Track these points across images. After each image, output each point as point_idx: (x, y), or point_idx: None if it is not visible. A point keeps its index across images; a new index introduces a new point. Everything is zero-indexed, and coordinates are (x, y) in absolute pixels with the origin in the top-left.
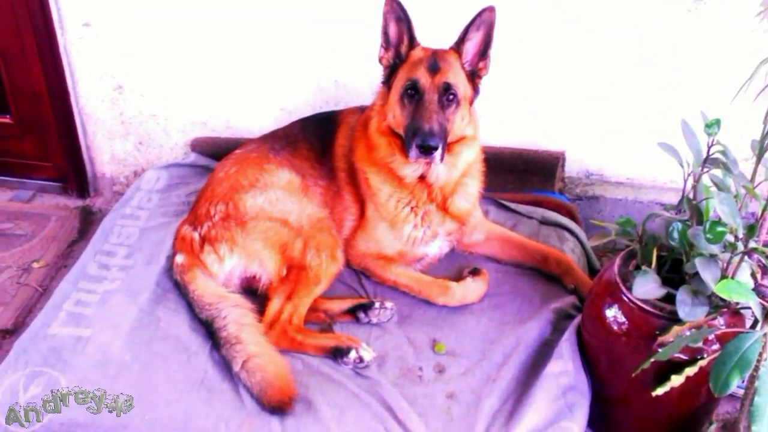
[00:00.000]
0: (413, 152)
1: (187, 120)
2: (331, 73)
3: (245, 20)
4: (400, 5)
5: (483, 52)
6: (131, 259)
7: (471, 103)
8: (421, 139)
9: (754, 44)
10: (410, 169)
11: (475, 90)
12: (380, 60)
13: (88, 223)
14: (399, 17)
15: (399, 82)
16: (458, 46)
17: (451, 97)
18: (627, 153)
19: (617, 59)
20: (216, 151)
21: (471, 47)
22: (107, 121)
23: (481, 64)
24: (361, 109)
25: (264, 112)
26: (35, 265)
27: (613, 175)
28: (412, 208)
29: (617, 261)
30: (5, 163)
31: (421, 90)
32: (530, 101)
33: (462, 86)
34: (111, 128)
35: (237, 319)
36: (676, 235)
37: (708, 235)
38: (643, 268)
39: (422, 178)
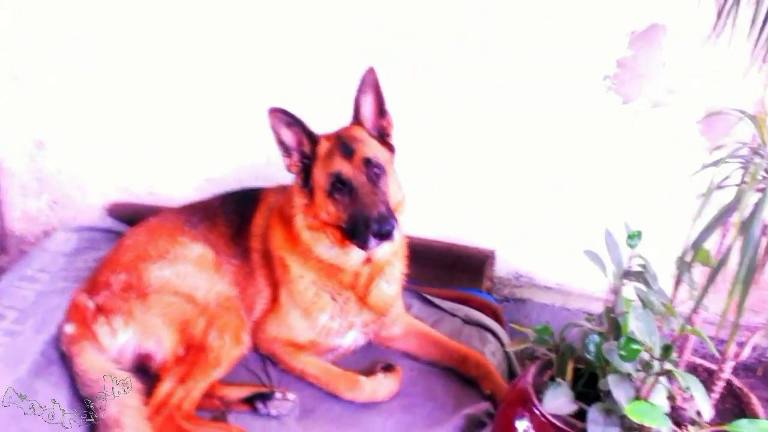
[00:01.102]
0: (372, 242)
1: (108, 183)
2: (262, 150)
3: (174, 86)
4: (284, 112)
5: (380, 111)
6: (21, 324)
7: (392, 162)
8: (378, 226)
9: (688, 162)
10: (356, 256)
11: (391, 150)
12: (289, 168)
13: None
14: (289, 123)
15: (320, 181)
16: (357, 117)
17: (377, 170)
18: (557, 258)
19: (552, 163)
20: (134, 217)
21: (368, 112)
22: (23, 176)
23: (384, 123)
24: (283, 189)
25: (189, 182)
26: None
27: (542, 279)
28: (332, 296)
29: (532, 370)
30: None
31: (347, 180)
32: (465, 196)
33: (381, 154)
34: (26, 184)
35: (120, 399)
36: (592, 348)
37: (622, 352)
38: (557, 380)
39: (367, 259)
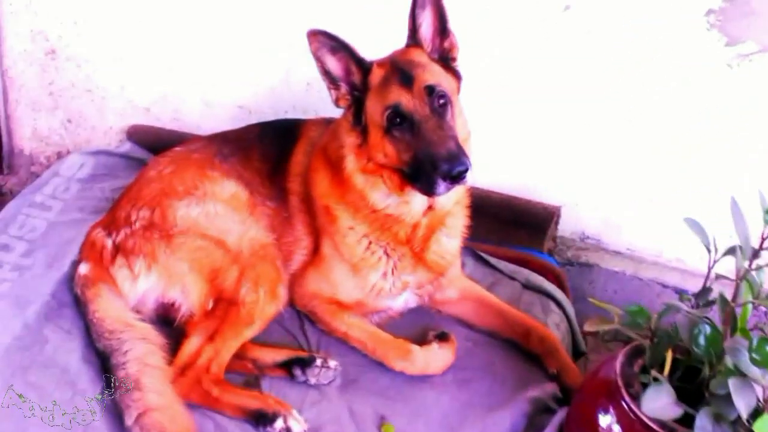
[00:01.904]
0: (441, 186)
1: (128, 103)
2: (303, 74)
3: None
4: (328, 35)
5: (442, 30)
6: (30, 257)
7: (458, 92)
8: (448, 166)
9: None
10: (418, 205)
11: (456, 77)
12: (337, 103)
13: None
14: (333, 48)
15: (375, 116)
16: (414, 38)
17: (441, 101)
18: (631, 219)
19: (634, 110)
20: (156, 143)
21: (427, 31)
22: (34, 89)
23: (446, 44)
24: (327, 122)
25: (219, 108)
26: None
27: (611, 242)
28: (385, 252)
29: (620, 358)
30: None
31: (408, 113)
32: (531, 141)
33: (444, 80)
34: (37, 99)
35: (140, 356)
36: (702, 341)
37: (755, 355)
38: (654, 373)
39: (429, 207)
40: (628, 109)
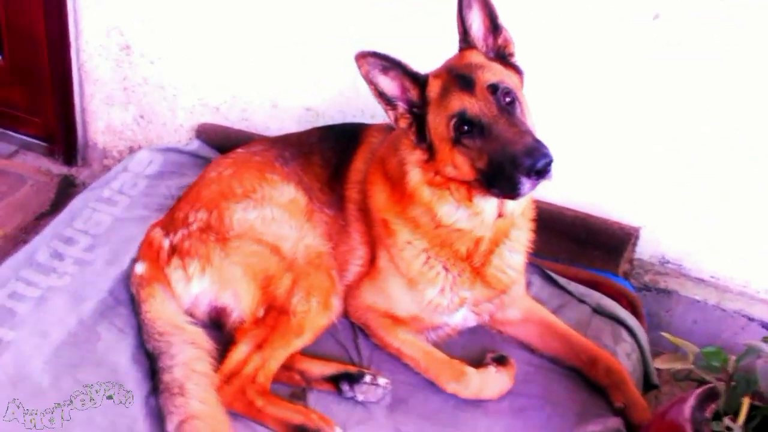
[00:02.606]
0: (526, 184)
1: (198, 101)
2: None
3: None
4: (377, 55)
5: (494, 27)
6: (92, 252)
7: (522, 86)
8: (531, 161)
9: None
10: (489, 215)
11: (518, 71)
12: (397, 123)
13: (65, 195)
14: (385, 68)
15: (440, 129)
16: (466, 40)
17: (507, 98)
18: (717, 244)
19: (736, 127)
20: (224, 142)
21: (478, 31)
22: (108, 83)
23: (500, 41)
24: (390, 128)
25: (286, 110)
26: None
27: (694, 267)
28: (444, 267)
29: (690, 401)
30: None
31: (475, 117)
32: (608, 155)
33: (507, 77)
34: (111, 93)
35: (187, 361)
36: None
37: None
38: (727, 421)
39: (498, 215)
40: (717, 125)
